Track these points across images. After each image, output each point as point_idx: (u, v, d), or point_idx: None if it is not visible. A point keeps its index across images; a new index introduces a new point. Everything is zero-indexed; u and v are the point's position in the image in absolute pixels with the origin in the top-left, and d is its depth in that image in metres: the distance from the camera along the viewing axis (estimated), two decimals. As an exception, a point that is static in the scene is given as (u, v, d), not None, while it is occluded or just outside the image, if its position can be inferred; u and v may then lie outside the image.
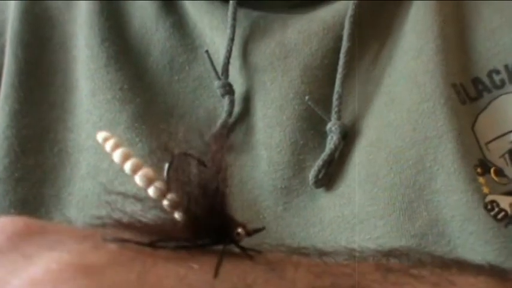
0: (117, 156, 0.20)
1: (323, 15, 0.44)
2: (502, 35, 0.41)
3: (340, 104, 0.41)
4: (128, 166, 0.20)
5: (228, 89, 0.43)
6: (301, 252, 0.23)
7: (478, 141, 0.39)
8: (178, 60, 0.45)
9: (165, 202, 0.20)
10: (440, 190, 0.38)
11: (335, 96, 0.41)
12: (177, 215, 0.21)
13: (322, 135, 0.42)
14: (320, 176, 0.41)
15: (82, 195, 0.43)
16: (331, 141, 0.41)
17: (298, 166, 0.41)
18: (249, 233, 0.21)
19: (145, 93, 0.44)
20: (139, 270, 0.19)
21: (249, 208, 0.41)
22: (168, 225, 0.20)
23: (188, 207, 0.20)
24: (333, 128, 0.41)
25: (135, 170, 0.20)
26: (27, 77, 0.45)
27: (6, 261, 0.20)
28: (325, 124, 0.41)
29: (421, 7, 0.42)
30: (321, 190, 0.41)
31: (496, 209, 0.38)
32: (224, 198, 0.21)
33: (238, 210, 0.42)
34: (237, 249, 0.21)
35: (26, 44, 0.46)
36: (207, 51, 0.43)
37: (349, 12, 0.43)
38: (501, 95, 0.41)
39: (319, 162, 0.41)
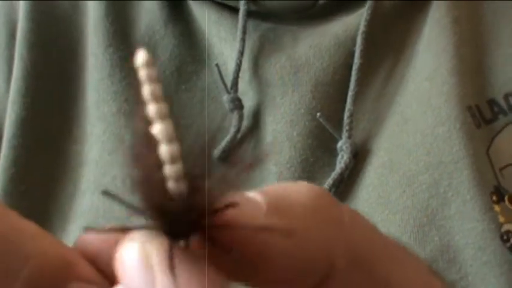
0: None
1: (334, 29, 0.43)
2: None
3: (351, 122, 0.41)
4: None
5: (237, 104, 0.42)
6: None
7: (492, 167, 0.39)
8: (186, 69, 0.44)
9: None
10: (454, 216, 0.38)
11: (346, 114, 0.41)
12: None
13: (332, 153, 0.41)
14: (330, 195, 0.40)
15: (82, 210, 0.42)
16: (342, 160, 0.40)
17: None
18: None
19: None
20: None
21: None
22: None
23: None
24: (343, 146, 0.40)
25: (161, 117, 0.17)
26: (33, 81, 0.44)
27: None
28: (336, 142, 0.41)
29: (435, 26, 0.42)
30: None
31: None
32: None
33: None
34: None
35: (32, 43, 0.45)
36: (217, 65, 0.43)
37: (361, 28, 0.42)
38: None
39: (329, 181, 0.40)
